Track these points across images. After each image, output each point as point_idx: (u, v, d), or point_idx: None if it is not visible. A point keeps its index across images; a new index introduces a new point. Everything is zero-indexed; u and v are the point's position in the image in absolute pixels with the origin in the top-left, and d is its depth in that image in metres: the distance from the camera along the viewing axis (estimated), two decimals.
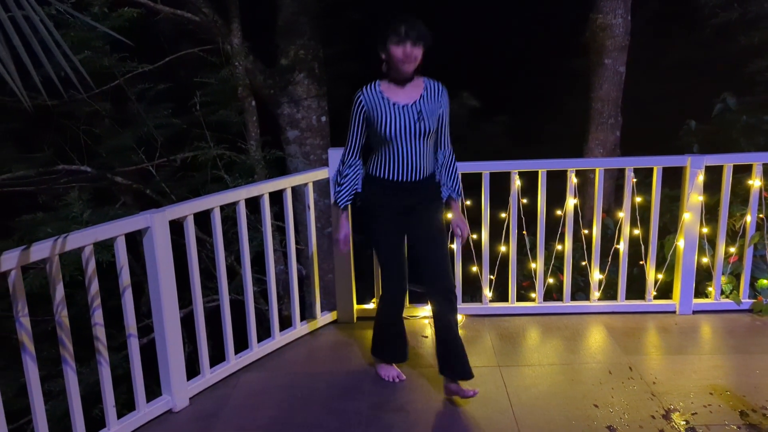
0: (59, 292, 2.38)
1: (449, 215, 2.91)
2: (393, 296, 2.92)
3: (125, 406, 3.09)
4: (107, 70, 4.34)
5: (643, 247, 3.71)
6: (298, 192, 4.85)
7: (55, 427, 2.49)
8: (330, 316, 3.73)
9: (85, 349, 2.83)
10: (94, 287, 2.51)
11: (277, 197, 3.37)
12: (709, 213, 3.82)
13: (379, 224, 2.82)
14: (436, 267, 2.75)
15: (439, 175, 2.85)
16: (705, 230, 3.71)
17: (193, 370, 3.04)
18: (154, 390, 2.93)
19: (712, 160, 3.54)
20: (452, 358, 2.78)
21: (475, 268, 3.79)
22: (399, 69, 2.62)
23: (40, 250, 2.28)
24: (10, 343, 3.39)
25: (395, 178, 2.73)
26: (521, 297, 3.94)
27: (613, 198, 5.34)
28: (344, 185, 2.85)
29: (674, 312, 3.71)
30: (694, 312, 3.69)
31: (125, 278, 2.63)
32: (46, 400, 2.51)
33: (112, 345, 3.95)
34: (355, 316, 3.73)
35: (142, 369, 2.77)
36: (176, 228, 2.86)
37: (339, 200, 2.87)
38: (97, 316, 2.54)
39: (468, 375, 2.77)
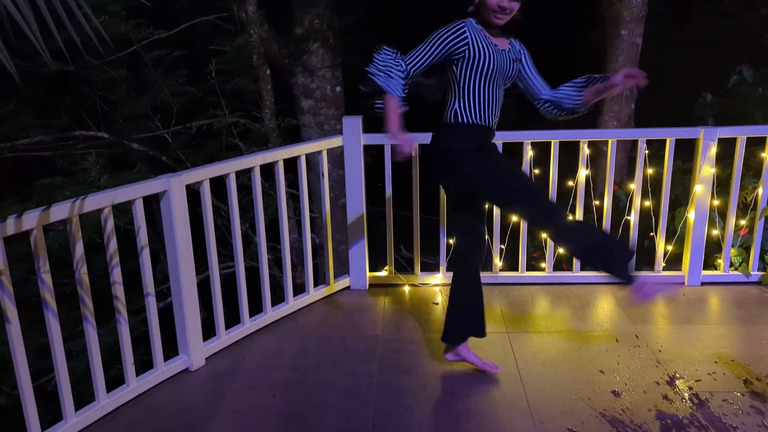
0: (79, 250, 2.44)
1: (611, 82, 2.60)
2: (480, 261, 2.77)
3: (141, 366, 3.19)
4: (124, 36, 4.37)
5: (653, 218, 3.72)
6: (311, 162, 4.88)
7: (74, 388, 2.56)
8: (343, 283, 3.80)
9: (102, 311, 2.91)
10: (113, 246, 2.57)
11: (290, 166, 3.41)
12: (721, 186, 3.82)
13: (484, 167, 2.53)
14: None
15: (564, 96, 2.68)
16: (716, 203, 3.71)
17: (207, 336, 3.11)
18: (169, 354, 3.00)
19: (726, 132, 3.53)
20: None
21: (486, 238, 3.82)
22: (490, 20, 2.45)
23: (60, 211, 2.34)
24: (29, 306, 3.48)
25: (485, 123, 2.55)
26: (531, 268, 3.98)
27: (626, 171, 5.33)
28: (400, 81, 2.44)
29: (683, 283, 3.73)
30: (703, 283, 3.72)
31: (143, 238, 2.70)
32: (66, 361, 2.61)
33: (129, 309, 4.04)
34: (367, 282, 3.79)
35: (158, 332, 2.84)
36: (191, 196, 2.91)
37: (393, 90, 2.42)
38: (116, 275, 2.61)
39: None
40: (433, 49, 2.45)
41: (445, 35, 2.45)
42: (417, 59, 2.46)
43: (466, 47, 2.44)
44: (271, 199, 4.68)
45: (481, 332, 2.82)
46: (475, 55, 2.45)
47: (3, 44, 1.41)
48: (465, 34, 2.44)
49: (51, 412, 2.80)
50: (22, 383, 2.31)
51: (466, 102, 2.52)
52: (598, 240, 2.54)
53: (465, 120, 2.53)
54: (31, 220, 2.24)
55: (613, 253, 2.46)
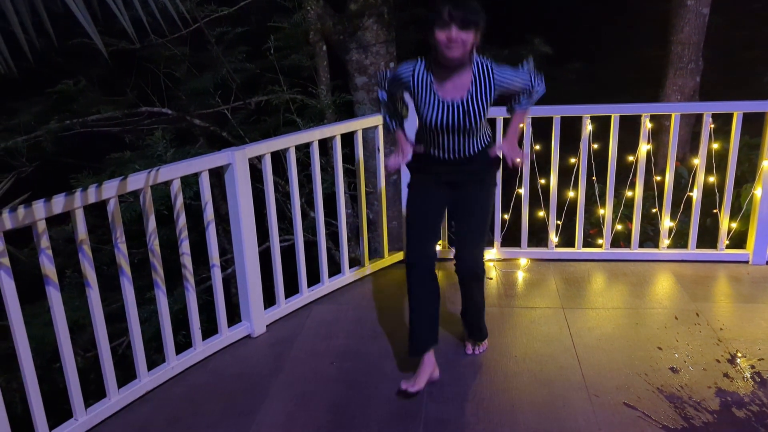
0: (152, 223, 2.57)
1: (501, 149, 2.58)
2: (410, 263, 2.56)
3: (204, 335, 3.33)
4: (188, 14, 4.49)
5: (717, 195, 3.62)
6: (365, 139, 4.92)
7: None
8: (396, 257, 3.86)
9: (166, 281, 3.04)
10: (182, 220, 2.70)
11: (343, 142, 3.47)
12: None
13: (416, 184, 2.63)
14: (464, 241, 2.56)
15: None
16: None
17: (266, 305, 3.21)
18: (228, 323, 3.12)
19: None
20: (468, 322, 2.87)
21: (542, 213, 3.81)
22: (444, 55, 2.32)
23: (135, 181, 2.47)
24: (98, 275, 3.68)
25: (438, 156, 2.55)
26: (587, 244, 3.94)
27: (689, 147, 5.17)
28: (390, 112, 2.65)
29: (747, 262, 3.63)
30: None
31: (209, 211, 2.81)
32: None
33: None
34: None
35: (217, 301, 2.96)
36: (251, 172, 2.99)
37: (389, 124, 2.67)
38: (185, 246, 2.74)
39: (479, 337, 2.85)
40: (390, 79, 2.57)
41: (398, 71, 2.52)
42: (384, 82, 2.60)
43: (410, 81, 2.47)
44: (326, 174, 4.76)
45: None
46: (416, 103, 2.49)
47: (94, 24, 1.50)
48: (410, 69, 2.47)
49: (119, 375, 2.97)
50: (101, 343, 2.46)
51: (418, 134, 2.63)
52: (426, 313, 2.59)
53: (415, 149, 2.62)
54: (110, 189, 2.38)
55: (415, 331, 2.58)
